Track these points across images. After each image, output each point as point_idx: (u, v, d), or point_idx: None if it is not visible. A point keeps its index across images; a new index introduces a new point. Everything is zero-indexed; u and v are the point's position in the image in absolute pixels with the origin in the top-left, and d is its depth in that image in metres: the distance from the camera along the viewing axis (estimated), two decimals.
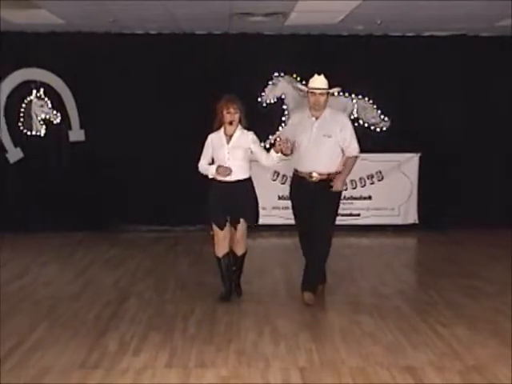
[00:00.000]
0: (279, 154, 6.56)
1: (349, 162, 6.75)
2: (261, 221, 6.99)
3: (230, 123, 6.69)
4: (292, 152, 6.66)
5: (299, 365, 5.01)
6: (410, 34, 10.56)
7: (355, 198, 10.52)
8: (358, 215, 10.60)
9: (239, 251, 6.88)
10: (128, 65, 10.38)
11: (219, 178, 6.65)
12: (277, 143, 6.54)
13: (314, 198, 6.58)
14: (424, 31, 10.38)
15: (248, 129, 6.80)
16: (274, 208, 10.36)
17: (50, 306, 6.59)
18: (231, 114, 6.67)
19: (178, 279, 7.69)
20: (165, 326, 5.94)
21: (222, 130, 6.79)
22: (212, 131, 6.85)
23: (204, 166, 6.84)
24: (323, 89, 6.58)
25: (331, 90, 6.69)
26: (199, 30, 10.24)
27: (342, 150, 6.70)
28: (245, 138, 6.73)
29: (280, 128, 10.42)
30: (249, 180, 6.79)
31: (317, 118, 6.67)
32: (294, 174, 6.95)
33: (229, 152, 6.68)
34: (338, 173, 6.68)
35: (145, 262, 8.62)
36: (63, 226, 10.37)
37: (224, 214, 6.71)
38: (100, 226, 10.56)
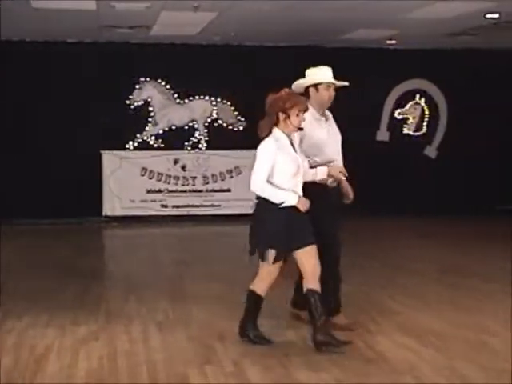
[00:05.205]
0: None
1: None
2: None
3: (300, 129, 5.15)
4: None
5: (157, 320, 6.06)
6: (267, 44, 11.80)
7: (216, 191, 11.74)
8: (219, 206, 11.83)
9: None
10: (4, 70, 11.12)
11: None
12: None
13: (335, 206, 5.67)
14: (274, 42, 11.72)
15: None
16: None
17: None
18: (300, 118, 5.11)
19: (53, 263, 8.59)
20: (43, 298, 6.80)
21: (284, 136, 5.11)
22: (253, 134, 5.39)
23: (279, 191, 5.02)
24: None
25: (343, 83, 5.71)
26: (71, 38, 11.10)
27: None
28: None
29: (147, 128, 11.40)
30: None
31: (326, 120, 5.75)
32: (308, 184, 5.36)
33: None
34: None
35: (20, 250, 9.50)
36: None
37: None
38: None
